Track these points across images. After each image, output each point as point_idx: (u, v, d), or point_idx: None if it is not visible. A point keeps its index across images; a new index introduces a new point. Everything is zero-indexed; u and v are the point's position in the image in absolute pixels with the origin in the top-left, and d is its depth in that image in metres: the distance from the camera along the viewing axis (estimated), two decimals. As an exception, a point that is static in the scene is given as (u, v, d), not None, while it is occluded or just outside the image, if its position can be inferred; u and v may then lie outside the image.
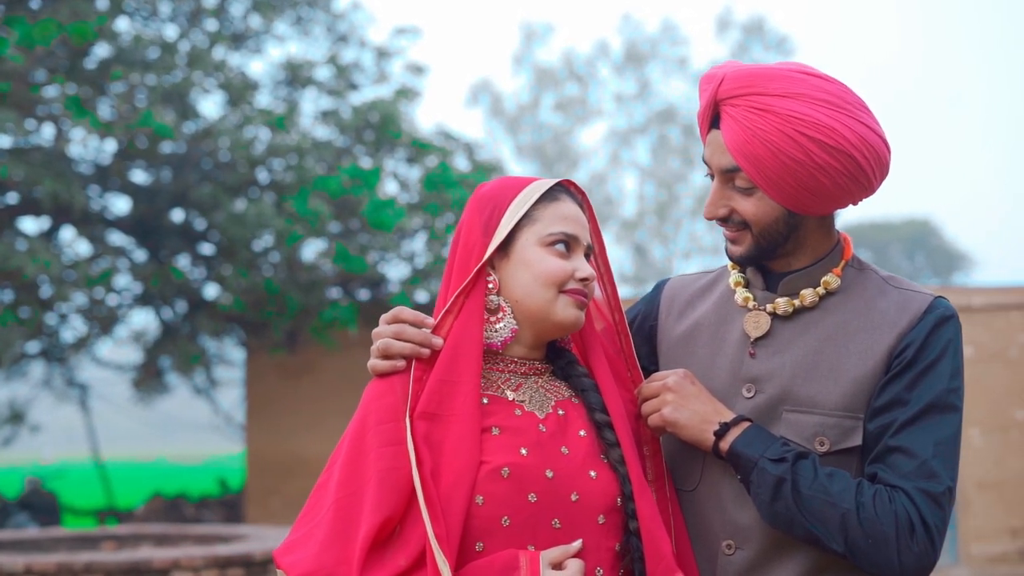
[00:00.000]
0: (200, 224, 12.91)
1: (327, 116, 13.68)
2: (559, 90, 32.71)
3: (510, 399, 2.22)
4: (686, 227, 32.46)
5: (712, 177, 2.32)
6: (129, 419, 21.50)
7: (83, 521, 16.51)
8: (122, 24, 12.82)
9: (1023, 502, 12.24)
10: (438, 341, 2.19)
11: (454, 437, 2.12)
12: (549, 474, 2.14)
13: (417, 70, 14.45)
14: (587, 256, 2.28)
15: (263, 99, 13.79)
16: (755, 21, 33.12)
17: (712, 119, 2.29)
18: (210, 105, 16.08)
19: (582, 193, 2.32)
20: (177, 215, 12.96)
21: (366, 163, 13.17)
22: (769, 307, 2.33)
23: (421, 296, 13.06)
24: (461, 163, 13.92)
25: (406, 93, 13.70)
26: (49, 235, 12.99)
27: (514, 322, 2.24)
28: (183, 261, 13.20)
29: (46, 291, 12.20)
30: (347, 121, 13.22)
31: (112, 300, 13.55)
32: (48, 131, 12.59)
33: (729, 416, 2.25)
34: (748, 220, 2.28)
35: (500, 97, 33.00)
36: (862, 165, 2.21)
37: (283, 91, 14.06)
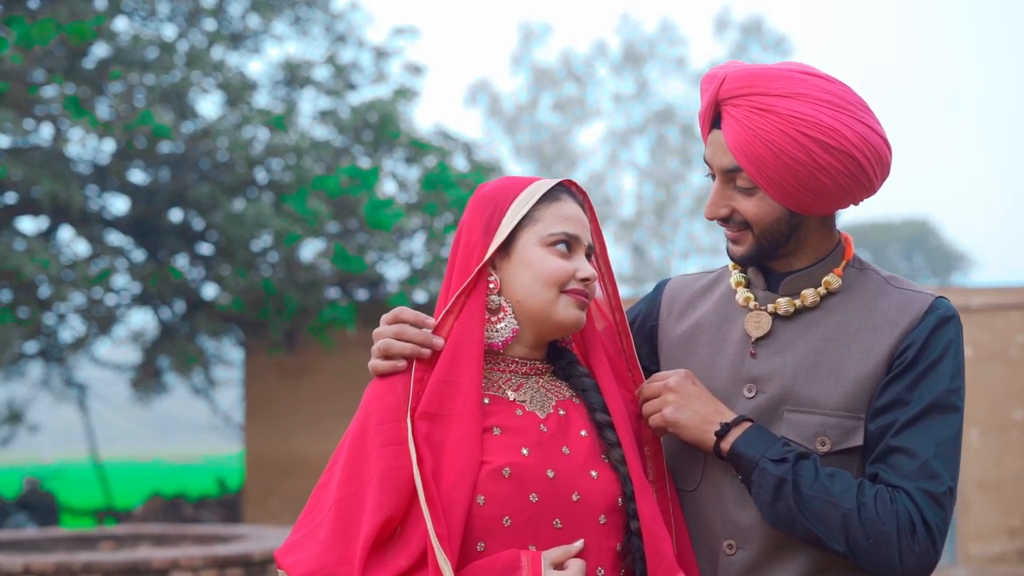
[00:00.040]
0: (198, 224, 12.91)
1: (325, 116, 13.68)
2: (557, 90, 32.72)
3: (511, 399, 2.22)
4: (684, 227, 32.47)
5: (713, 177, 2.32)
6: (127, 419, 21.50)
7: (81, 521, 16.50)
8: (120, 24, 12.82)
9: (1022, 502, 12.24)
10: (439, 341, 2.19)
11: (455, 437, 2.12)
12: (550, 474, 2.14)
13: (415, 70, 14.45)
14: (588, 256, 2.28)
15: (261, 99, 13.80)
16: (753, 21, 33.14)
17: (713, 119, 2.29)
18: (208, 105, 16.13)
19: (583, 193, 2.32)
20: (175, 215, 12.96)
21: (364, 163, 13.17)
22: (770, 307, 2.33)
23: (420, 296, 13.07)
24: (460, 163, 13.92)
25: (404, 93, 13.70)
26: (47, 235, 12.99)
27: (515, 322, 2.24)
28: (181, 261, 13.20)
29: (44, 291, 12.20)
30: (345, 121, 13.22)
31: (110, 300, 13.55)
32: (46, 131, 12.59)
33: (730, 416, 2.25)
34: (749, 220, 2.28)
35: (498, 97, 33.01)
36: (863, 165, 2.21)
37: (281, 91, 14.06)
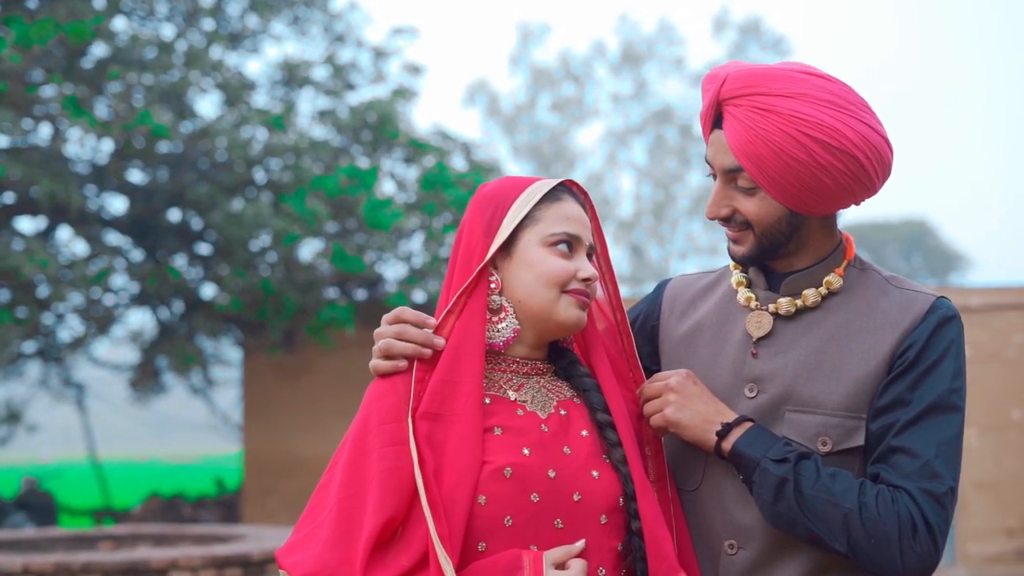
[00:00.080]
0: (197, 224, 12.91)
1: (324, 116, 13.68)
2: (556, 90, 32.72)
3: (512, 399, 2.22)
4: (683, 227, 32.48)
5: (714, 177, 2.32)
6: (126, 419, 21.50)
7: (80, 521, 16.50)
8: (119, 24, 12.82)
9: (1020, 502, 12.25)
10: (440, 341, 2.19)
11: (456, 437, 2.12)
12: (551, 474, 2.14)
13: (414, 70, 14.45)
14: (589, 256, 2.28)
15: (260, 99, 13.79)
16: (752, 21, 33.15)
17: (715, 119, 2.29)
18: (207, 105, 16.13)
19: (584, 193, 2.33)
20: (174, 215, 12.96)
21: (363, 163, 13.17)
22: (771, 307, 2.33)
23: (418, 296, 13.07)
24: (458, 163, 13.92)
25: (403, 93, 13.70)
26: (46, 235, 12.99)
27: (516, 322, 2.24)
28: (180, 261, 13.20)
29: (43, 291, 12.20)
30: (344, 121, 13.22)
31: (109, 300, 13.54)
32: (45, 131, 12.59)
33: (731, 416, 2.25)
34: (750, 220, 2.28)
35: (497, 97, 33.02)
36: (864, 165, 2.21)
37: (280, 91, 14.05)
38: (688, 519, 2.32)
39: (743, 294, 2.37)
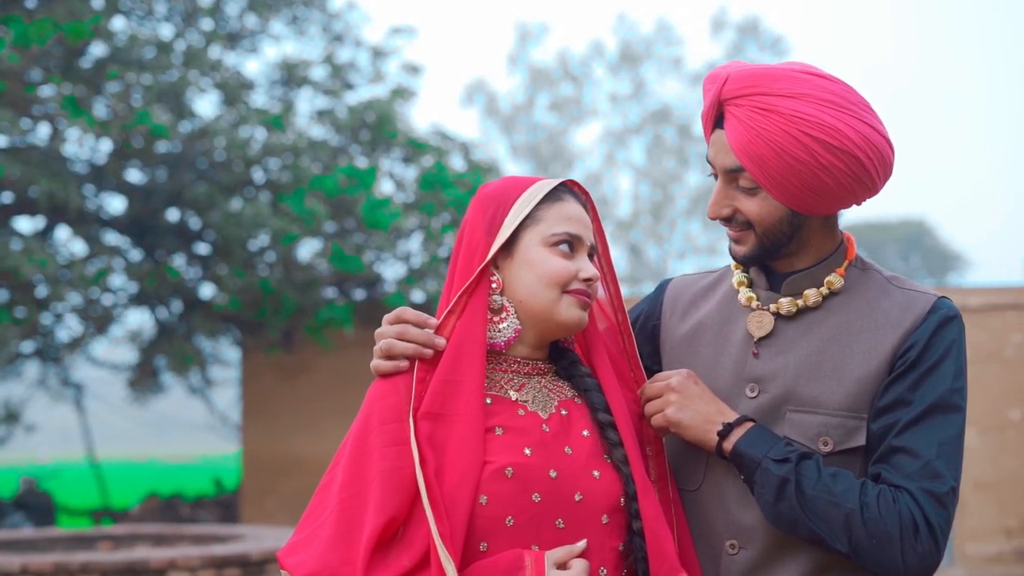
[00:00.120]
0: (196, 224, 12.90)
1: (323, 116, 13.68)
2: (554, 90, 32.74)
3: (513, 399, 2.22)
4: (681, 227, 32.50)
5: (716, 177, 2.32)
6: (124, 419, 21.49)
7: (78, 521, 16.51)
8: (118, 23, 12.82)
9: (1018, 502, 12.26)
10: (441, 341, 2.19)
11: (458, 437, 2.12)
12: (553, 474, 2.14)
13: (412, 70, 14.45)
14: (590, 256, 2.28)
15: (259, 98, 13.80)
16: (750, 21, 33.17)
17: (716, 119, 2.29)
18: (206, 104, 16.13)
19: (585, 193, 2.32)
20: (173, 215, 12.96)
21: (362, 163, 13.17)
22: (772, 307, 2.33)
23: (417, 296, 13.07)
24: (457, 163, 13.92)
25: (402, 93, 13.70)
26: (44, 234, 12.99)
27: (517, 322, 2.24)
28: (179, 261, 13.20)
29: (41, 291, 12.19)
30: (343, 121, 13.22)
31: (107, 300, 13.54)
32: (44, 130, 12.59)
33: (732, 416, 2.25)
34: (752, 220, 2.28)
35: (495, 97, 33.03)
36: (866, 165, 2.21)
37: (279, 91, 14.05)
38: (689, 519, 2.32)
39: (744, 294, 2.37)
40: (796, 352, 2.29)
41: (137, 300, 13.51)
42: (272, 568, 7.80)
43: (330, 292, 13.26)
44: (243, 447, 15.10)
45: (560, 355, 2.33)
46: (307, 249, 13.00)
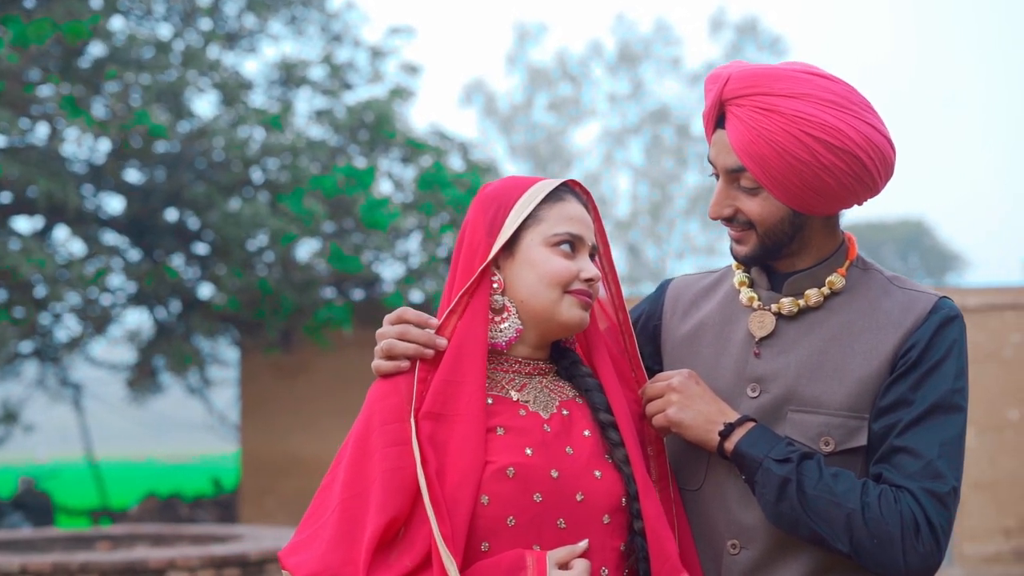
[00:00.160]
0: (194, 224, 12.90)
1: (321, 116, 13.68)
2: (552, 90, 32.76)
3: (514, 399, 2.22)
4: (679, 227, 32.52)
5: (717, 177, 2.32)
6: (123, 419, 21.50)
7: (77, 521, 16.50)
8: (116, 23, 12.81)
9: (1017, 502, 12.26)
10: (442, 342, 2.19)
11: (459, 437, 2.11)
12: (554, 474, 2.14)
13: (411, 70, 14.45)
14: (592, 257, 2.28)
15: (257, 98, 13.80)
16: (748, 21, 33.20)
17: (717, 119, 2.29)
18: (204, 104, 16.10)
19: (587, 193, 2.32)
20: (171, 214, 12.96)
21: (360, 163, 13.17)
22: (774, 307, 2.33)
23: (416, 296, 13.07)
24: (455, 163, 13.92)
25: (400, 93, 13.70)
26: (43, 234, 12.99)
27: (519, 322, 2.23)
28: (177, 261, 13.19)
29: (40, 291, 12.19)
30: (341, 121, 13.22)
31: (106, 300, 13.54)
32: (42, 130, 12.58)
33: (734, 416, 2.25)
34: (753, 220, 2.28)
35: (494, 97, 33.05)
36: (867, 166, 2.21)
37: (277, 90, 14.05)
38: (690, 519, 2.32)
39: (746, 294, 2.37)
40: (797, 352, 2.29)
41: (136, 300, 13.51)
42: (271, 568, 7.80)
43: (329, 292, 13.26)
44: (242, 447, 15.10)
45: (561, 355, 2.33)
46: (306, 249, 13.00)
